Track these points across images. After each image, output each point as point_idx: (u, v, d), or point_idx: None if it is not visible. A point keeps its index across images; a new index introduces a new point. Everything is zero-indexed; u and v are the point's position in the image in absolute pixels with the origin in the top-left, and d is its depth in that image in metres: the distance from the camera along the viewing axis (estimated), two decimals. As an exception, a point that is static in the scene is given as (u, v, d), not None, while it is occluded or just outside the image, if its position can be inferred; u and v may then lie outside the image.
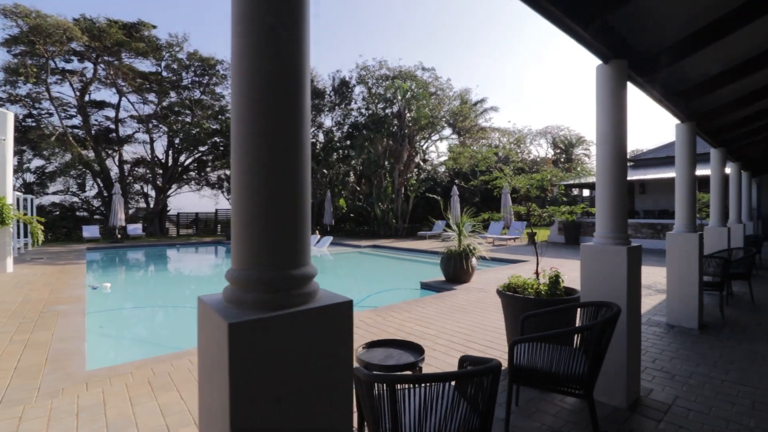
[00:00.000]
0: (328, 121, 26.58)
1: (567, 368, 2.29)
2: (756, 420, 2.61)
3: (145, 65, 22.23)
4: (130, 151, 24.44)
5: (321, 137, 26.25)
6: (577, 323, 2.99)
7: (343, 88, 24.93)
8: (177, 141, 23.54)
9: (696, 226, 4.67)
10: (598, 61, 2.74)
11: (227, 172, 26.15)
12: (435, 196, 22.87)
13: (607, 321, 2.26)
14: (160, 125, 23.16)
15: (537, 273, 3.84)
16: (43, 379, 3.29)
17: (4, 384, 3.22)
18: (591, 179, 14.60)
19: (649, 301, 5.77)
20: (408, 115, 20.65)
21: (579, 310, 2.86)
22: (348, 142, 23.87)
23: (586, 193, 23.41)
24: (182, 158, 24.71)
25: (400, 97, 20.45)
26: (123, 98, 22.47)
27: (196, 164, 25.83)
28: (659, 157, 18.20)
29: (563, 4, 2.12)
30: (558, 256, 11.73)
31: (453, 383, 1.90)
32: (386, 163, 21.55)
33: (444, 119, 24.25)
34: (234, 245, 1.14)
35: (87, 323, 5.11)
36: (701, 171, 9.18)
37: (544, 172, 4.51)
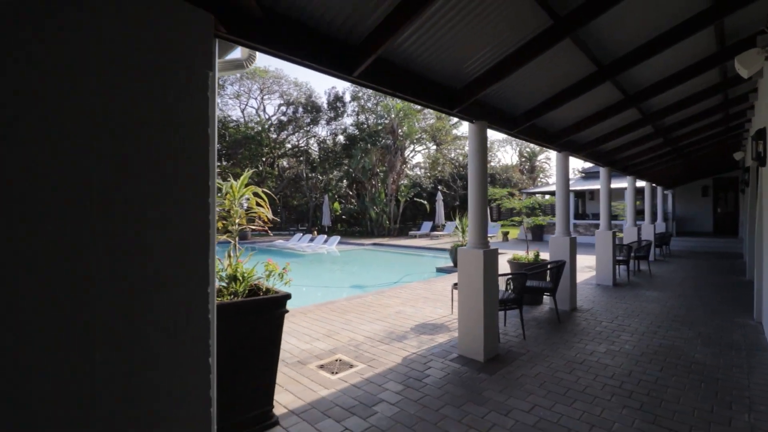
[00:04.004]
0: (323, 132, 29.29)
1: (545, 285, 5.48)
2: (623, 317, 5.90)
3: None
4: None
5: (316, 147, 28.96)
6: (547, 274, 6.21)
7: (337, 103, 27.75)
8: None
9: (611, 226, 8.08)
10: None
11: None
12: (421, 200, 26.20)
13: (560, 266, 5.46)
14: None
15: (527, 252, 7.05)
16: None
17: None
18: (549, 188, 18.31)
19: (587, 274, 9.22)
20: (400, 130, 23.83)
21: (548, 266, 6.08)
22: (343, 152, 26.71)
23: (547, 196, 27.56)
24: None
25: (393, 115, 23.59)
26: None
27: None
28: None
29: (434, 101, 3.55)
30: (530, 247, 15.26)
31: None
32: (379, 171, 24.62)
33: (427, 132, 27.72)
34: (471, 231, 4.17)
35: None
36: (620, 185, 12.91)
37: (533, 200, 7.70)
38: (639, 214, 18.62)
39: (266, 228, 2.91)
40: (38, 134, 1.37)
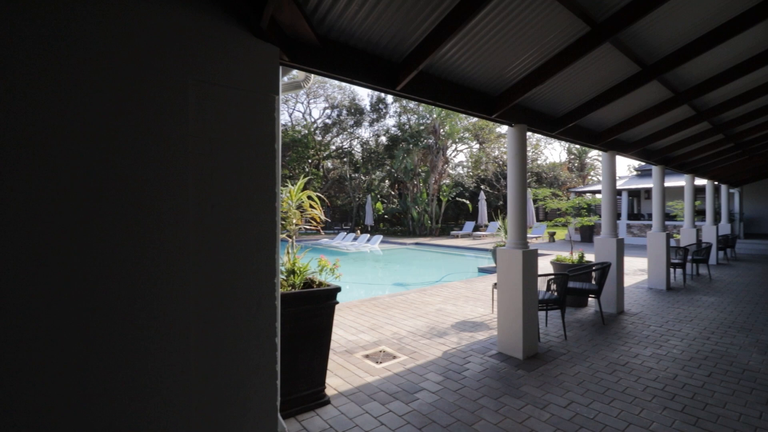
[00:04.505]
0: (366, 133, 29.91)
1: (590, 287, 5.43)
2: (673, 322, 5.68)
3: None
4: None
5: (359, 148, 29.63)
6: (592, 276, 6.11)
7: (379, 105, 28.21)
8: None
9: (665, 227, 7.73)
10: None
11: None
12: (464, 200, 26.00)
13: (605, 267, 5.39)
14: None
15: (571, 253, 6.96)
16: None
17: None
18: (598, 187, 17.55)
19: (639, 277, 8.85)
20: (441, 130, 23.83)
21: (593, 268, 5.99)
22: (386, 153, 27.13)
23: (598, 195, 26.28)
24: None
25: (435, 115, 23.63)
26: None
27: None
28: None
29: (473, 108, 3.72)
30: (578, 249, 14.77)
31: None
32: (420, 171, 24.77)
33: (469, 131, 27.43)
34: (510, 231, 4.29)
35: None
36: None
37: (580, 200, 7.59)
38: (700, 214, 17.38)
39: (319, 228, 3.24)
40: (162, 158, 1.76)
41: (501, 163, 30.68)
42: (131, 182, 1.70)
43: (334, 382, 3.47)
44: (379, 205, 27.31)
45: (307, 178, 3.53)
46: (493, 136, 29.70)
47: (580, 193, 21.03)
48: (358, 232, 21.76)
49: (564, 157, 40.49)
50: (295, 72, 2.67)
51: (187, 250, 1.84)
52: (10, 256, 1.45)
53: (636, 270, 10.00)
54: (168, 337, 1.78)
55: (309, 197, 3.21)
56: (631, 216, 20.20)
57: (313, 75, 2.80)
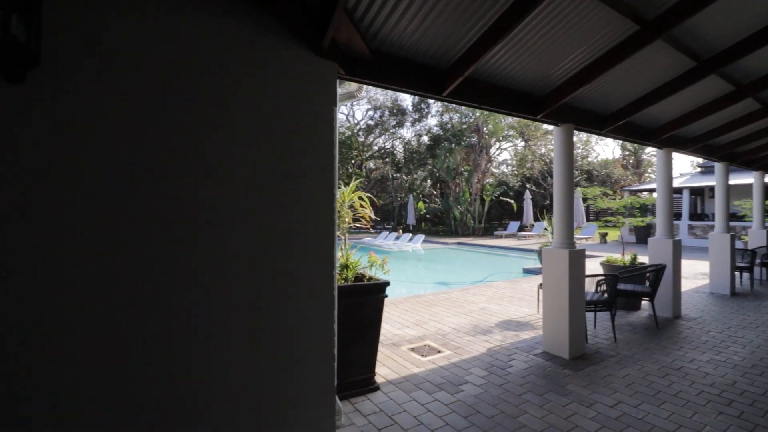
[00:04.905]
0: (408, 133, 30.09)
1: (642, 290, 5.26)
2: (736, 328, 5.35)
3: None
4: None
5: (401, 148, 29.85)
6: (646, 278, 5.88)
7: (421, 105, 28.25)
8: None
9: (730, 228, 7.22)
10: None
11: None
12: (508, 200, 25.43)
13: (659, 270, 5.19)
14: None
15: (623, 254, 6.72)
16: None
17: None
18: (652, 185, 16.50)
19: (700, 281, 8.32)
20: (485, 128, 23.46)
21: (647, 270, 5.77)
22: (428, 152, 27.15)
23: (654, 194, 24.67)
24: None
25: (478, 113, 23.31)
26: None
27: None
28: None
29: (518, 110, 3.80)
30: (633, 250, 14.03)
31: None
32: (463, 170, 24.53)
33: (514, 128, 26.75)
34: (556, 231, 4.31)
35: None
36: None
37: (633, 199, 7.32)
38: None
39: (368, 226, 3.48)
40: (245, 167, 2.05)
41: (548, 160, 29.61)
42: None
43: (382, 371, 3.69)
44: (420, 204, 27.37)
45: (358, 180, 3.78)
46: (540, 133, 28.74)
47: (634, 192, 19.85)
48: (400, 231, 21.95)
49: (618, 153, 38.27)
50: (347, 83, 2.91)
51: (259, 248, 2.12)
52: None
53: (697, 274, 9.40)
54: (244, 321, 2.07)
55: (360, 198, 3.46)
56: (694, 216, 18.80)
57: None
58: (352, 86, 3.05)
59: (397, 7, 2.44)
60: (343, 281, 3.16)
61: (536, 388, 3.42)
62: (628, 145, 36.88)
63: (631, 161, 36.54)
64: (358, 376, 3.15)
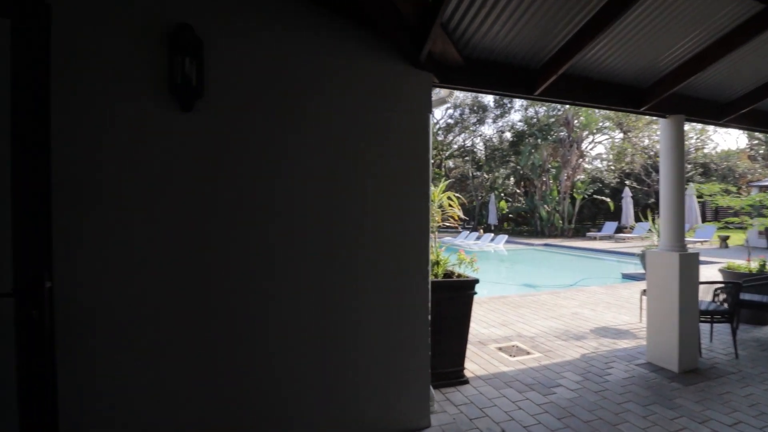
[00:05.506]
0: (489, 130, 29.22)
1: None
2: None
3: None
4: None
5: (481, 146, 29.08)
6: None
7: (503, 101, 27.19)
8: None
9: None
10: None
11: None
12: (603, 198, 23.29)
13: (800, 279, 4.44)
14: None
15: (748, 260, 5.85)
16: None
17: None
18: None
19: None
20: (576, 121, 21.79)
21: (781, 278, 4.96)
22: (511, 149, 26.05)
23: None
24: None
25: (567, 106, 21.73)
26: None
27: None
28: None
29: (617, 104, 3.62)
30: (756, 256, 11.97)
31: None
32: (550, 166, 23.06)
33: (611, 119, 24.35)
34: (664, 232, 3.98)
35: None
36: None
37: (762, 196, 6.34)
38: None
39: (457, 225, 3.59)
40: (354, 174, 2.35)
41: (652, 153, 26.37)
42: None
43: (470, 367, 3.78)
44: (503, 203, 26.37)
45: (448, 181, 3.92)
46: (642, 123, 25.68)
47: (765, 188, 16.79)
48: (481, 231, 21.43)
49: (743, 142, 32.58)
50: (436, 89, 3.07)
51: (366, 245, 2.39)
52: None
53: None
54: (364, 309, 2.36)
55: (449, 198, 3.59)
56: None
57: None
58: (444, 92, 3.21)
59: (490, 15, 2.53)
60: (433, 277, 3.32)
61: (639, 398, 3.22)
62: (758, 133, 31.21)
63: (761, 152, 30.86)
64: (447, 368, 3.29)
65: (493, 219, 24.98)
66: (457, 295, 3.21)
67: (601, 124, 24.32)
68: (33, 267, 1.58)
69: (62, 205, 1.76)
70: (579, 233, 22.25)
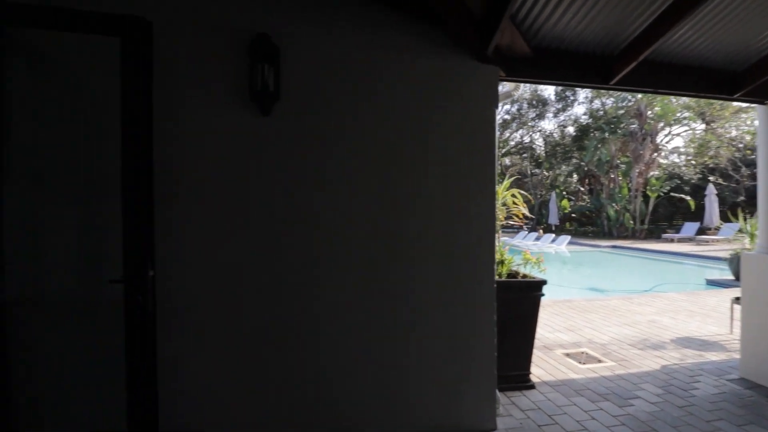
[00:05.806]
0: (549, 125, 27.78)
1: None
2: None
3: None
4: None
5: (541, 142, 27.71)
6: None
7: (566, 93, 25.68)
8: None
9: None
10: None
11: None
12: (682, 196, 21.14)
13: None
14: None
15: None
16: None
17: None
18: None
19: None
20: (649, 112, 20.00)
21: None
22: (574, 144, 24.55)
23: None
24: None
25: (640, 95, 20.00)
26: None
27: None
28: None
29: (706, 90, 3.33)
30: None
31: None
32: (620, 162, 21.37)
33: (691, 109, 22.01)
34: (762, 232, 3.55)
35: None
36: None
37: None
38: None
39: (522, 224, 3.46)
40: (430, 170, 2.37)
41: (742, 145, 23.39)
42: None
43: (536, 372, 3.62)
44: (565, 202, 24.93)
45: (513, 178, 3.79)
46: (728, 112, 22.87)
47: None
48: (541, 231, 20.42)
49: None
50: (502, 83, 2.98)
51: (429, 240, 2.39)
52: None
53: None
54: (429, 306, 2.37)
55: (513, 195, 3.47)
56: None
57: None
58: (510, 85, 3.10)
59: (561, 2, 2.40)
60: (497, 276, 3.23)
61: (732, 417, 2.88)
62: None
63: None
64: (512, 371, 3.19)
65: (553, 218, 23.69)
66: (524, 296, 3.10)
67: (679, 114, 22.07)
68: (138, 257, 1.77)
69: (160, 202, 1.96)
70: (653, 234, 20.39)
